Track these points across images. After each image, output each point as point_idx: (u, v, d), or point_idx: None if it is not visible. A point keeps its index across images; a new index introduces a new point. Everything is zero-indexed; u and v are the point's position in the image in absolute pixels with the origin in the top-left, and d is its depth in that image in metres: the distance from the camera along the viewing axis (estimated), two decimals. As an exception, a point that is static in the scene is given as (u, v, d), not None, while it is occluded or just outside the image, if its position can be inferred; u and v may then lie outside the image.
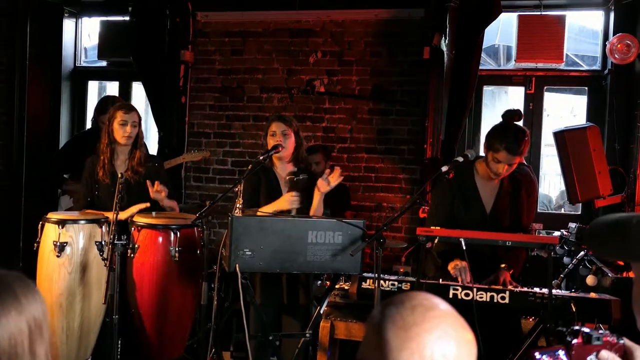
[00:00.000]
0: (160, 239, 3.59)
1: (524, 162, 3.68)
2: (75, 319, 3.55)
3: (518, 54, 4.94)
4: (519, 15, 4.94)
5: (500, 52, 5.40)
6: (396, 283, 3.09)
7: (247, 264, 2.86)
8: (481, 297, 2.93)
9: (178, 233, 3.57)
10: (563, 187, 4.75)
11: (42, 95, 5.83)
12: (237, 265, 2.84)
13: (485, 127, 4.96)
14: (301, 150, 3.49)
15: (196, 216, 3.28)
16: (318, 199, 3.27)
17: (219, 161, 5.61)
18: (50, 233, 3.57)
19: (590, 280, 3.70)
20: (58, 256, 3.51)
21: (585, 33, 5.39)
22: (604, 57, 4.79)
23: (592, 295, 3.04)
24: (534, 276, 3.48)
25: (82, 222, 3.59)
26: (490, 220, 3.19)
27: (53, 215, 3.63)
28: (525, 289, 3.00)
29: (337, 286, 3.36)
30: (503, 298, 2.94)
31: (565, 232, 4.18)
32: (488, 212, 3.22)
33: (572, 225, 4.22)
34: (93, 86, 6.33)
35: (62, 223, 3.52)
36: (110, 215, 3.43)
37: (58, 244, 3.50)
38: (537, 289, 2.98)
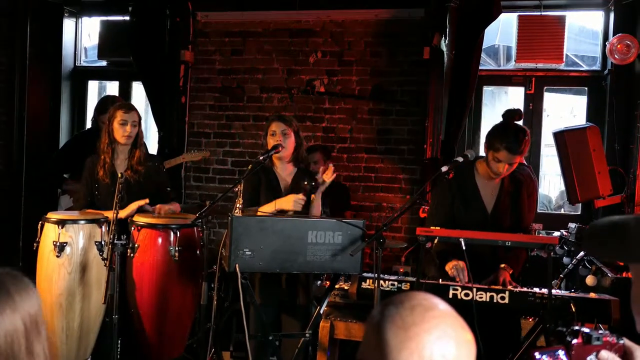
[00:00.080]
0: (160, 239, 3.59)
1: (524, 162, 3.68)
2: (75, 318, 3.55)
3: (518, 54, 4.94)
4: (519, 15, 4.94)
5: (500, 52, 5.40)
6: (396, 283, 3.09)
7: (247, 264, 2.86)
8: (481, 297, 2.93)
9: (178, 233, 3.57)
10: (563, 188, 4.75)
11: (42, 95, 5.83)
12: (237, 265, 2.84)
13: (485, 127, 4.96)
14: (301, 150, 3.50)
15: (196, 216, 3.28)
16: (316, 198, 3.28)
17: (219, 161, 5.61)
18: (50, 233, 3.57)
19: (589, 280, 3.70)
20: (58, 256, 3.51)
21: (585, 33, 5.39)
22: (604, 58, 4.79)
23: (592, 295, 3.04)
24: (533, 276, 3.48)
25: (82, 222, 3.59)
26: (491, 220, 3.19)
27: (53, 215, 3.63)
28: (525, 289, 3.00)
29: (337, 286, 3.37)
30: (503, 298, 2.94)
31: (565, 233, 4.18)
32: (489, 212, 3.22)
33: (572, 225, 4.22)
34: (93, 86, 6.33)
35: (62, 223, 3.52)
36: (110, 214, 3.43)
37: (58, 243, 3.50)
38: (536, 289, 2.98)
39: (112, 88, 6.25)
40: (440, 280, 3.06)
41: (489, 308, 2.92)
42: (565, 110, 6.44)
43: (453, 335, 1.06)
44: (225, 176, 5.58)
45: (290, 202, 3.25)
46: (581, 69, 5.13)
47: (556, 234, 4.27)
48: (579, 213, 5.00)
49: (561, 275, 3.82)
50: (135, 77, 5.78)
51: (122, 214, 3.56)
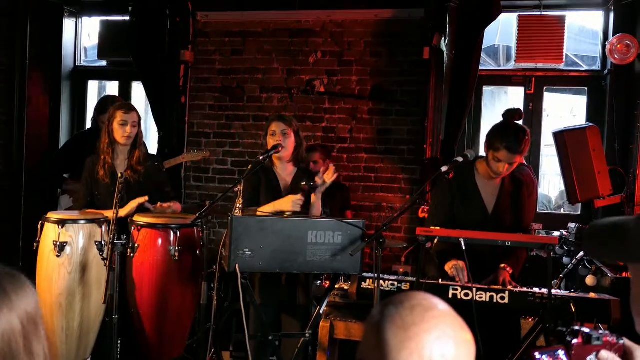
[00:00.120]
0: (160, 239, 3.59)
1: (524, 162, 3.68)
2: (75, 318, 3.55)
3: (518, 54, 4.94)
4: (519, 15, 4.94)
5: (500, 52, 5.40)
6: (396, 283, 3.09)
7: (247, 264, 2.86)
8: (481, 297, 2.93)
9: (178, 233, 3.57)
10: (563, 188, 4.75)
11: (42, 95, 5.83)
12: (237, 265, 2.85)
13: (485, 128, 4.96)
14: (301, 150, 3.50)
15: (196, 216, 3.28)
16: (316, 198, 3.27)
17: (219, 161, 5.61)
18: (50, 233, 3.57)
19: (589, 280, 3.70)
20: (58, 256, 3.51)
21: (585, 33, 5.39)
22: (604, 58, 4.79)
23: (592, 295, 3.04)
24: (533, 276, 3.48)
25: (82, 221, 3.59)
26: (492, 220, 3.19)
27: (53, 215, 3.64)
28: (525, 289, 3.00)
29: (336, 286, 3.37)
30: (503, 298, 2.94)
31: (564, 233, 4.18)
32: (490, 212, 3.22)
33: (572, 225, 4.22)
34: (93, 86, 6.33)
35: (62, 223, 3.52)
36: (110, 214, 3.43)
37: (58, 243, 3.50)
38: (536, 289, 2.98)
39: (112, 88, 6.25)
40: (440, 280, 3.06)
41: (489, 308, 2.92)
42: (565, 110, 6.44)
43: (452, 335, 1.06)
44: (225, 176, 5.58)
45: (288, 203, 3.25)
46: (581, 69, 5.13)
47: (556, 234, 4.27)
48: (579, 213, 5.00)
49: (561, 275, 3.82)
50: (135, 77, 5.77)
51: (122, 212, 3.56)
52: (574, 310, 2.92)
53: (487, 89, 5.37)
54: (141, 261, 3.59)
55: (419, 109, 5.05)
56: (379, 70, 5.21)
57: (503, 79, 5.25)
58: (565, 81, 5.14)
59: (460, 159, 3.00)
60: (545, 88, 5.08)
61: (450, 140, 4.68)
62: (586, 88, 5.07)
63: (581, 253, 3.83)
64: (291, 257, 2.91)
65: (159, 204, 3.75)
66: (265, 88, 5.47)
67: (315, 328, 3.22)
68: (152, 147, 5.44)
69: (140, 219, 3.64)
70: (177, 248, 3.55)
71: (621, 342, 1.30)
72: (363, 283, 3.13)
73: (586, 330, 1.28)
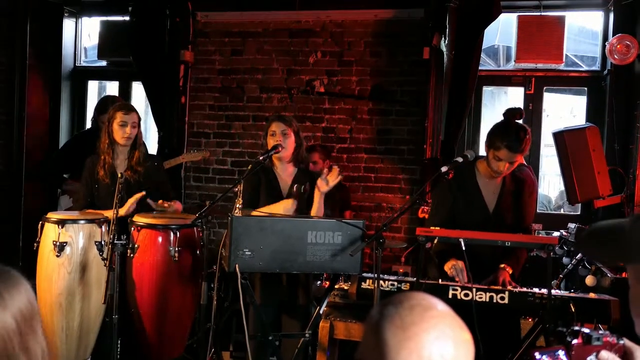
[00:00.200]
0: (160, 239, 3.59)
1: (524, 162, 3.68)
2: (74, 318, 3.55)
3: (518, 54, 4.94)
4: (519, 15, 4.94)
5: (500, 52, 5.40)
6: (396, 283, 3.09)
7: (247, 264, 2.86)
8: (480, 298, 2.93)
9: (178, 233, 3.57)
10: (562, 188, 4.75)
11: (42, 95, 5.83)
12: (237, 265, 2.85)
13: (485, 128, 4.96)
14: (301, 151, 3.50)
15: (196, 216, 3.28)
16: (318, 199, 3.27)
17: (219, 161, 5.61)
18: (50, 233, 3.57)
19: (589, 280, 3.70)
20: (58, 256, 3.51)
21: (584, 34, 5.39)
22: (604, 58, 4.79)
23: (591, 295, 3.04)
24: (533, 276, 3.48)
25: (82, 221, 3.59)
26: (493, 219, 3.19)
27: (53, 215, 3.64)
28: (525, 289, 3.00)
29: (336, 286, 3.37)
30: (502, 298, 2.94)
31: (564, 233, 4.18)
32: (491, 211, 3.22)
33: (572, 225, 4.22)
34: (93, 86, 6.33)
35: (61, 223, 3.52)
36: (110, 214, 3.43)
37: (58, 243, 3.50)
38: (536, 289, 2.98)
39: (112, 88, 6.25)
40: (440, 280, 3.06)
41: (489, 308, 2.92)
42: (564, 111, 6.44)
43: (451, 335, 1.07)
44: (225, 176, 5.58)
45: (282, 209, 3.24)
46: (581, 69, 5.13)
47: (556, 234, 4.27)
48: (579, 213, 5.00)
49: (561, 276, 3.81)
50: (135, 77, 5.78)
51: (122, 211, 3.55)
52: (573, 310, 2.91)
53: (487, 89, 5.37)
54: (141, 261, 3.59)
55: (419, 109, 5.05)
56: (379, 70, 5.21)
57: (503, 79, 5.25)
58: (565, 81, 5.14)
59: (460, 159, 3.00)
60: (545, 88, 5.08)
61: (450, 141, 4.68)
62: (586, 88, 5.08)
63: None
64: (291, 257, 2.91)
65: (160, 201, 3.74)
66: (265, 88, 5.48)
67: (315, 328, 3.22)
68: (152, 147, 5.44)
69: (140, 219, 3.64)
70: (177, 248, 3.55)
71: (621, 342, 1.30)
72: (363, 283, 3.13)
73: (586, 330, 1.29)
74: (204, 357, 3.28)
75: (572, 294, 3.03)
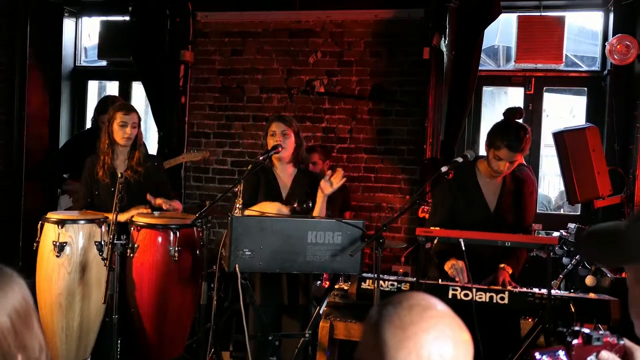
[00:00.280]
0: (160, 239, 3.59)
1: (524, 162, 3.68)
2: (74, 318, 3.55)
3: (518, 54, 4.94)
4: (519, 16, 4.94)
5: (500, 52, 5.40)
6: (395, 283, 3.09)
7: (247, 264, 2.86)
8: (480, 298, 2.93)
9: (177, 233, 3.57)
10: (562, 188, 4.75)
11: (42, 95, 5.83)
12: (236, 265, 2.84)
13: (485, 128, 4.96)
14: (301, 151, 3.49)
15: (196, 216, 3.28)
16: (321, 201, 3.26)
17: (219, 161, 5.61)
18: (49, 233, 3.57)
19: (589, 280, 3.70)
20: (58, 256, 3.51)
21: (584, 34, 5.39)
22: (604, 58, 4.79)
23: (591, 295, 3.04)
24: (533, 276, 3.48)
25: (82, 222, 3.59)
26: (494, 218, 3.20)
27: (53, 215, 3.64)
28: (525, 289, 3.00)
29: (336, 286, 3.37)
30: (502, 298, 2.94)
31: (564, 233, 4.18)
32: (492, 211, 3.22)
33: (572, 225, 4.22)
34: (93, 86, 6.33)
35: (61, 223, 3.52)
36: (110, 215, 3.43)
37: (57, 243, 3.50)
38: (536, 290, 2.98)
39: (112, 88, 6.25)
40: (440, 280, 3.06)
41: (489, 308, 2.92)
42: (564, 111, 6.44)
43: (451, 335, 1.06)
44: (225, 176, 5.58)
45: (274, 210, 3.24)
46: (581, 69, 5.13)
47: (556, 234, 4.27)
48: (579, 213, 5.00)
49: (561, 276, 3.81)
50: (135, 77, 5.78)
51: (122, 218, 3.56)
52: (573, 310, 2.92)
53: (486, 89, 5.37)
54: (141, 261, 3.59)
55: (419, 109, 5.05)
56: (378, 70, 5.21)
57: (503, 79, 5.25)
58: (565, 81, 5.14)
59: (460, 159, 3.00)
60: (545, 88, 5.08)
61: (450, 141, 4.68)
62: (586, 88, 5.08)
63: (581, 253, 3.83)
64: (291, 257, 2.91)
65: (159, 200, 3.73)
66: (265, 88, 5.48)
67: (315, 328, 3.22)
68: (152, 147, 5.44)
69: (140, 219, 3.64)
70: (176, 248, 3.55)
71: (621, 342, 1.30)
72: (363, 283, 3.13)
73: (586, 330, 1.29)
74: (204, 357, 3.28)
75: (572, 294, 3.03)
